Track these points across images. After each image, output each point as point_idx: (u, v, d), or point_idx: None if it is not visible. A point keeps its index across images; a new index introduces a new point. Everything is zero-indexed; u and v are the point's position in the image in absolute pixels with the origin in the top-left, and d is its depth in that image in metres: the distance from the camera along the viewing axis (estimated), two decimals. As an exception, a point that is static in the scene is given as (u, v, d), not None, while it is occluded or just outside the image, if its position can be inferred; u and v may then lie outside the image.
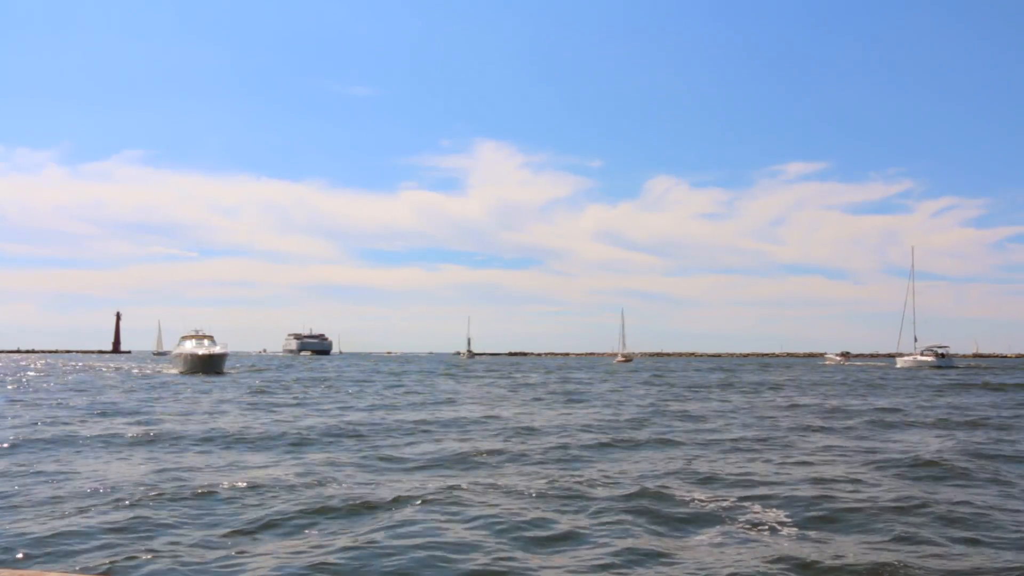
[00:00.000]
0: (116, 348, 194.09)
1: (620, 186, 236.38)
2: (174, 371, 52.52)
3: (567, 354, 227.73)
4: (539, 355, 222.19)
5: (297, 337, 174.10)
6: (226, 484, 9.87)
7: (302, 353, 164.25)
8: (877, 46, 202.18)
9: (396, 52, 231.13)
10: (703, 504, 9.00)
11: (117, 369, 60.60)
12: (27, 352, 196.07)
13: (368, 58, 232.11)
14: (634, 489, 9.73)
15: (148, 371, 54.95)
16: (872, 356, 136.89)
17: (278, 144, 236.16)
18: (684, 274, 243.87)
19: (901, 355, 77.52)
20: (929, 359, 73.24)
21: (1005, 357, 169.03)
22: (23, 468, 11.30)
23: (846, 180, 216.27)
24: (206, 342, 52.81)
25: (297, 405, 24.37)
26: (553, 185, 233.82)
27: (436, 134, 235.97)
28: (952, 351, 76.11)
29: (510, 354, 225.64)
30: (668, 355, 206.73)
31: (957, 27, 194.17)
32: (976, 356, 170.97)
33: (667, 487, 9.99)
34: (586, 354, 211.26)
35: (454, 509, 8.60)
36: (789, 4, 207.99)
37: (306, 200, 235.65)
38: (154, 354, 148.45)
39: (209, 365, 50.33)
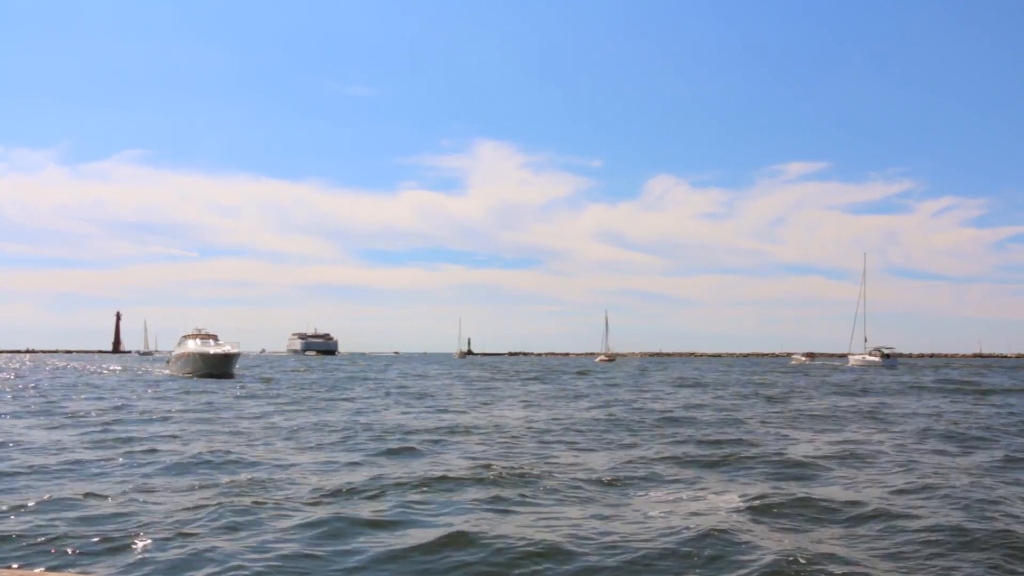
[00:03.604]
0: (116, 348, 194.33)
1: (620, 186, 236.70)
2: (171, 373, 50.26)
3: (567, 354, 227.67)
4: (539, 355, 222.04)
5: (302, 337, 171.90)
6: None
7: (307, 353, 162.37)
8: (877, 46, 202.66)
9: (396, 52, 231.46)
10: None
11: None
12: (27, 352, 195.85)
13: (368, 58, 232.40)
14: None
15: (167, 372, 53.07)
16: (830, 356, 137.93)
17: (278, 144, 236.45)
18: (684, 274, 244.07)
19: (852, 355, 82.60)
20: (876, 359, 77.68)
21: (1006, 357, 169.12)
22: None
23: (846, 180, 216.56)
24: (211, 341, 49.06)
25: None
26: (553, 185, 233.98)
27: (436, 134, 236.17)
28: (952, 351, 79.76)
29: (510, 354, 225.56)
30: (667, 355, 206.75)
31: (957, 27, 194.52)
32: (978, 356, 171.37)
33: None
34: (586, 354, 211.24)
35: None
36: (789, 4, 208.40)
37: (306, 200, 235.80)
38: (139, 353, 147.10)
39: (220, 366, 46.21)
